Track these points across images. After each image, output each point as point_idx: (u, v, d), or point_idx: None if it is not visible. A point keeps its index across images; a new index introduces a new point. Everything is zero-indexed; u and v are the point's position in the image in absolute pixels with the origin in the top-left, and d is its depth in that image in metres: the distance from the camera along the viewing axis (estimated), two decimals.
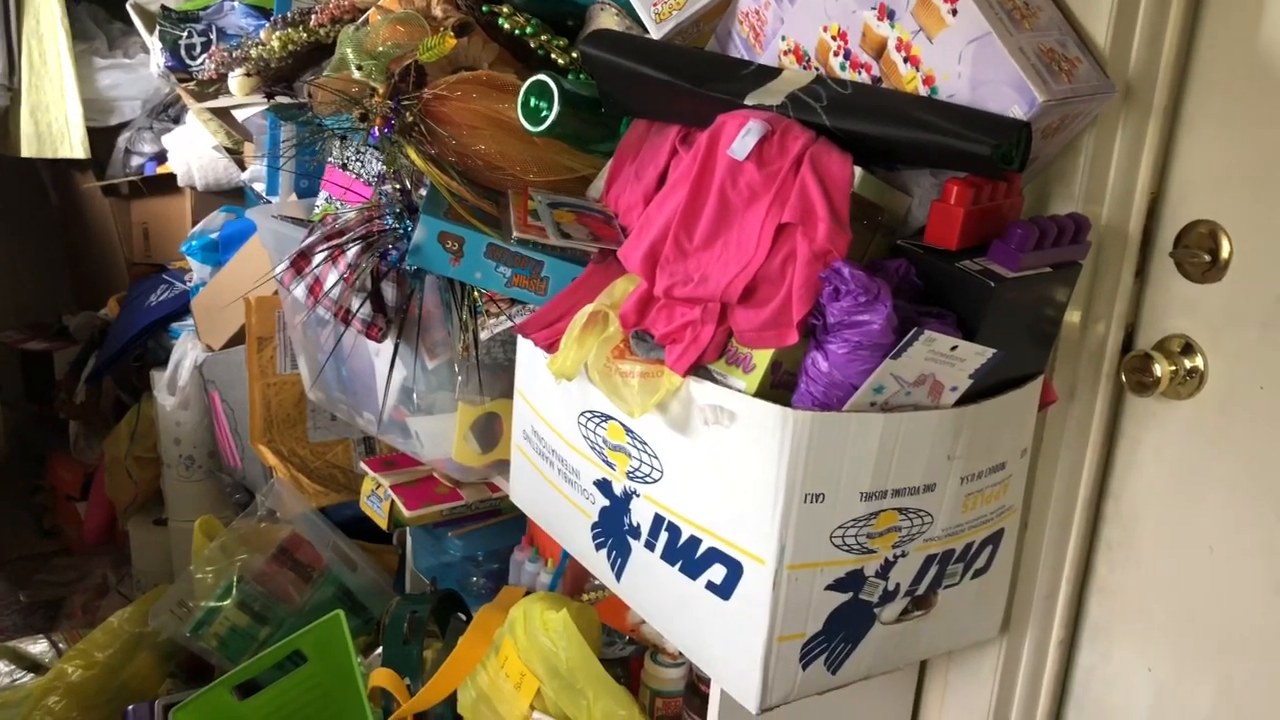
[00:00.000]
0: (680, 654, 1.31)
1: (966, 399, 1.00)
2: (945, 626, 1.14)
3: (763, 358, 0.99)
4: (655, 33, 1.29)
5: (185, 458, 2.45)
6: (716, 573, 1.03)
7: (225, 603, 1.87)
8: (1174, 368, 1.10)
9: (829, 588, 1.01)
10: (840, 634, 1.04)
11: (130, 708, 1.83)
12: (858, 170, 1.02)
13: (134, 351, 2.72)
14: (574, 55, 1.37)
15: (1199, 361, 1.09)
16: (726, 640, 1.04)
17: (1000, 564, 1.16)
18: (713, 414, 1.00)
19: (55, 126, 2.85)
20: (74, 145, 2.84)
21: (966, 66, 1.00)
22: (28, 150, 2.87)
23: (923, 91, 1.04)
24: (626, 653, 1.44)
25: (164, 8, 2.52)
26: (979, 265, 0.98)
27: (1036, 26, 1.01)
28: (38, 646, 2.25)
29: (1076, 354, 1.15)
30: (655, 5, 1.29)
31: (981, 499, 1.07)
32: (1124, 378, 1.14)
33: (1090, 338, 1.15)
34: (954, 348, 0.92)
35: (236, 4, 2.36)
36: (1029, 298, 1.02)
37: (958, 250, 0.99)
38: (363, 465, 1.76)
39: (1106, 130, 1.07)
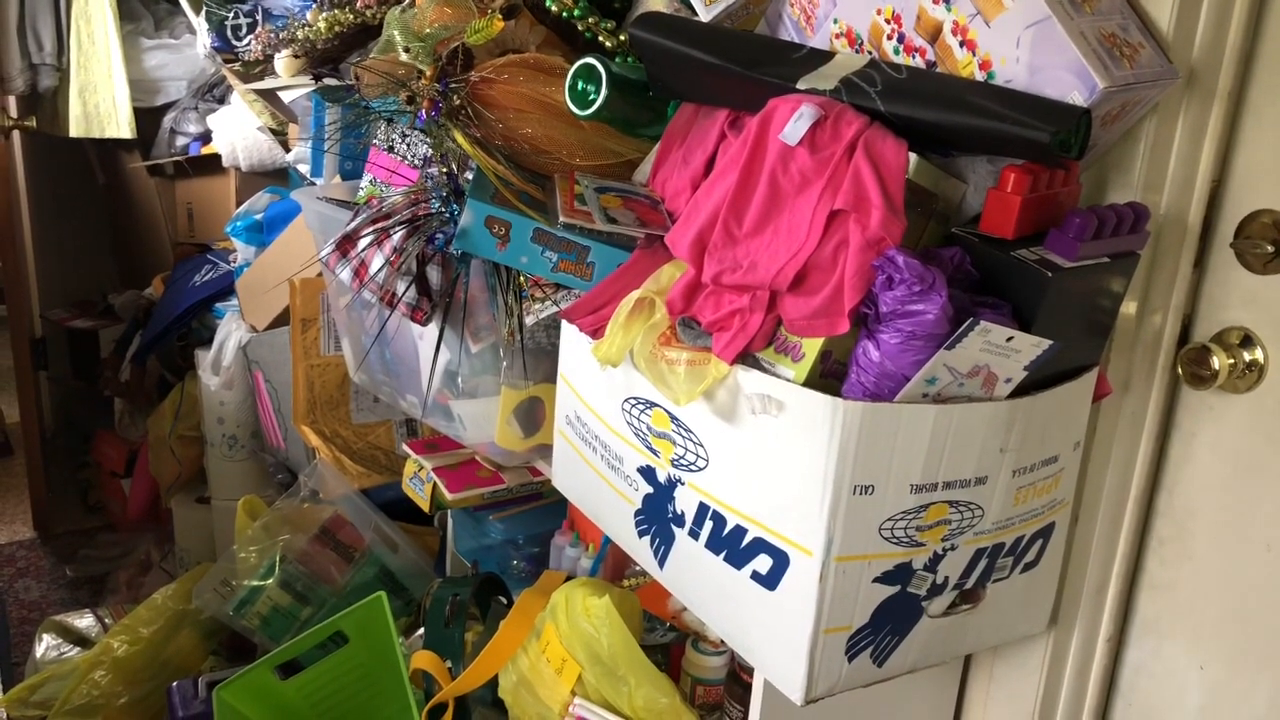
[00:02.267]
0: (722, 642, 1.31)
1: (1020, 391, 0.98)
2: (993, 621, 1.12)
3: (812, 346, 0.97)
4: (704, 15, 1.27)
5: (228, 437, 2.47)
6: (762, 563, 1.02)
7: (268, 582, 1.88)
8: (1233, 360, 1.08)
9: (877, 580, 0.99)
10: (887, 627, 1.03)
11: (175, 684, 1.85)
12: (912, 156, 1.00)
13: (178, 331, 2.75)
14: (621, 38, 1.35)
15: (1259, 354, 1.07)
16: (771, 631, 1.03)
17: (1050, 558, 1.14)
18: (760, 403, 0.99)
19: (102, 107, 2.87)
20: (120, 125, 2.86)
21: (1025, 51, 0.98)
22: (75, 130, 2.90)
23: (979, 76, 1.02)
24: (667, 639, 1.44)
25: None
26: (1036, 255, 0.96)
27: (1098, 10, 0.99)
28: (84, 621, 2.28)
29: (1132, 345, 1.13)
30: None
31: (1033, 492, 1.05)
32: (1180, 370, 1.12)
33: (1146, 329, 1.13)
34: (1010, 339, 0.91)
35: None
36: (1086, 288, 1.00)
37: (1014, 239, 0.97)
38: (405, 447, 1.76)
39: (1168, 117, 1.05)
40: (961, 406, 0.95)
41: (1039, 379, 0.99)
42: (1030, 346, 0.92)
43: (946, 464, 0.96)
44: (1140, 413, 1.15)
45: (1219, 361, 1.07)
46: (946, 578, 1.04)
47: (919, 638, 1.06)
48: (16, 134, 3.19)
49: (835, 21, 1.16)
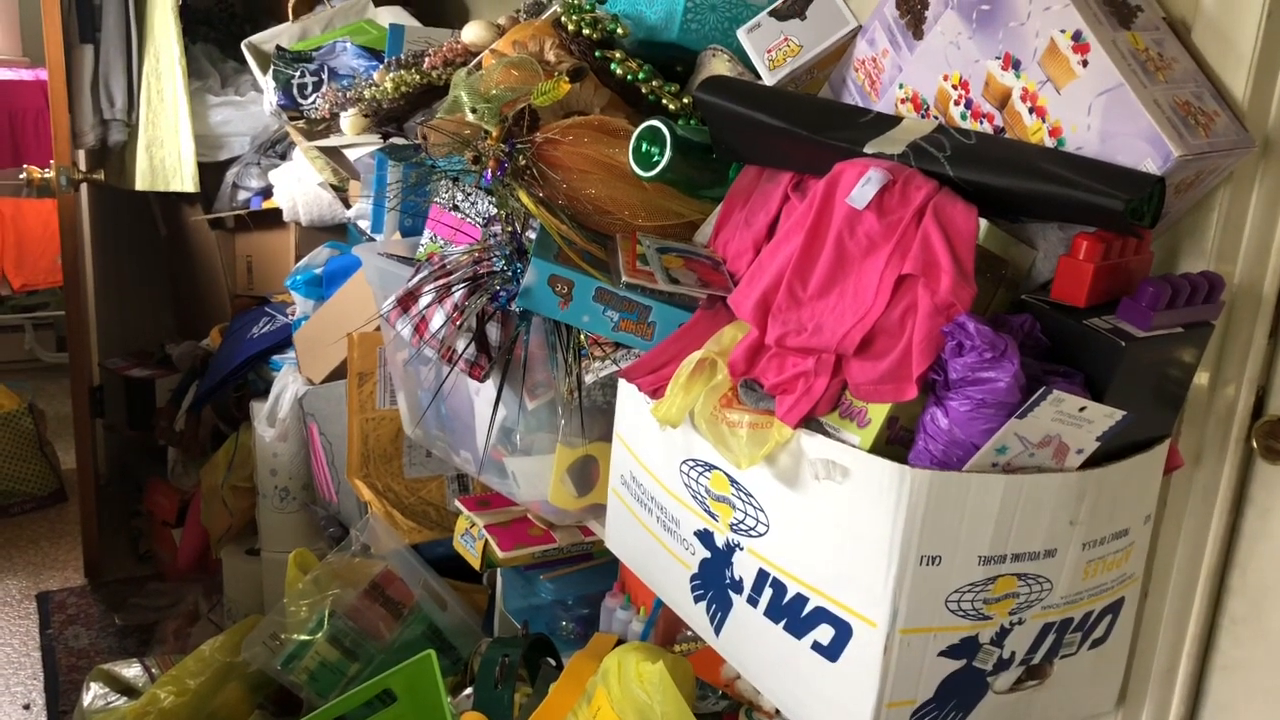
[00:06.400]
0: (778, 712, 1.28)
1: (1091, 462, 0.96)
2: (1060, 698, 1.09)
3: (878, 412, 0.96)
4: (769, 79, 1.28)
5: (280, 489, 2.48)
6: (824, 633, 1.00)
7: (316, 637, 1.88)
8: None
9: (942, 654, 0.97)
10: (952, 702, 1.00)
11: None
12: (981, 222, 1.00)
13: (235, 382, 2.77)
14: (685, 101, 1.36)
15: None
16: (832, 703, 1.01)
17: (1119, 634, 1.11)
18: (824, 469, 0.98)
19: (168, 161, 2.93)
20: (185, 179, 2.91)
21: (1096, 118, 0.98)
22: (141, 184, 2.96)
23: (1049, 143, 1.01)
24: (720, 708, 1.41)
25: (278, 48, 2.59)
26: (1109, 324, 0.94)
27: (1171, 79, 0.98)
28: (131, 670, 2.28)
29: (1204, 417, 1.11)
30: (769, 52, 1.28)
31: (1103, 566, 1.03)
32: (1254, 443, 1.09)
33: (1219, 401, 1.10)
34: (1082, 409, 0.89)
35: (349, 45, 2.41)
36: (1159, 359, 0.98)
37: (1086, 307, 0.96)
38: (457, 503, 1.76)
39: (1242, 185, 1.03)
40: (1031, 477, 0.93)
41: (1110, 450, 0.96)
42: (1103, 417, 0.91)
43: (1015, 535, 0.94)
44: (1212, 486, 1.12)
45: None
46: (1013, 652, 1.01)
47: (984, 714, 1.03)
48: (84, 186, 3.26)
49: (901, 87, 1.16)
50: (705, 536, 1.14)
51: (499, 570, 1.87)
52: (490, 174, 1.25)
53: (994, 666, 1.01)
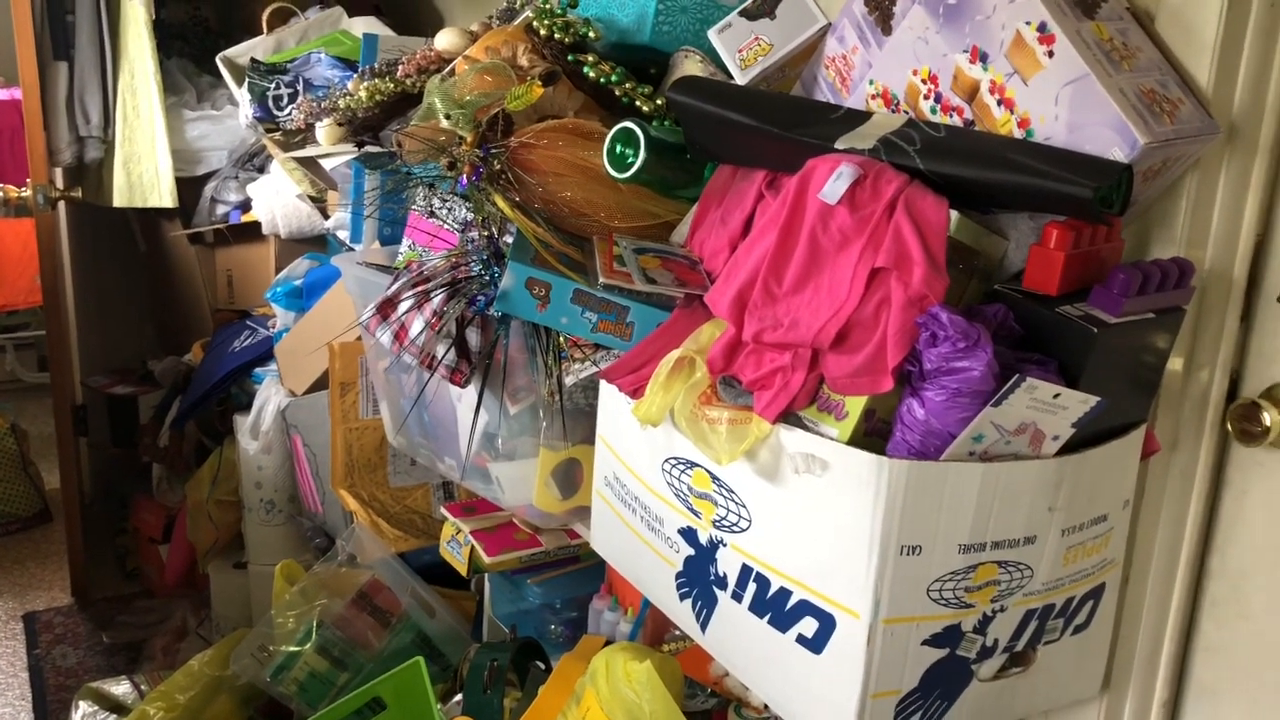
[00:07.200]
0: (766, 707, 1.29)
1: (1067, 449, 0.97)
2: (1044, 684, 1.10)
3: (855, 405, 0.97)
4: (740, 78, 1.29)
5: (266, 502, 2.48)
6: (808, 626, 1.00)
7: (305, 647, 1.87)
8: None
9: (925, 643, 0.98)
10: (936, 691, 1.01)
11: None
12: (953, 213, 1.00)
13: (217, 396, 2.77)
14: (658, 102, 1.37)
15: None
16: (818, 696, 1.02)
17: (1101, 620, 1.12)
18: (804, 462, 0.98)
19: (146, 177, 2.92)
20: (163, 195, 2.90)
21: (1064, 109, 0.98)
22: (119, 200, 2.95)
23: (1018, 134, 1.02)
24: (709, 705, 1.42)
25: (253, 60, 2.58)
26: (1080, 311, 0.95)
27: (1136, 67, 0.99)
28: (120, 688, 2.27)
29: (1179, 402, 1.12)
30: (741, 51, 1.29)
31: (1083, 552, 1.03)
32: (1230, 426, 1.10)
33: (1193, 385, 1.11)
34: (1056, 395, 0.90)
35: (323, 56, 2.42)
36: (1132, 344, 0.99)
37: (1058, 295, 0.97)
38: (443, 510, 1.76)
39: (1209, 172, 1.04)
40: (1009, 465, 0.94)
41: (1086, 436, 0.97)
42: (1077, 403, 0.91)
43: (995, 523, 0.95)
44: (1190, 470, 1.13)
45: (1270, 418, 1.05)
46: (996, 640, 1.02)
47: (969, 702, 1.04)
48: (62, 204, 3.25)
49: (871, 83, 1.17)
50: (689, 534, 1.14)
51: (486, 576, 1.87)
52: (466, 179, 1.25)
53: (977, 654, 1.02)
